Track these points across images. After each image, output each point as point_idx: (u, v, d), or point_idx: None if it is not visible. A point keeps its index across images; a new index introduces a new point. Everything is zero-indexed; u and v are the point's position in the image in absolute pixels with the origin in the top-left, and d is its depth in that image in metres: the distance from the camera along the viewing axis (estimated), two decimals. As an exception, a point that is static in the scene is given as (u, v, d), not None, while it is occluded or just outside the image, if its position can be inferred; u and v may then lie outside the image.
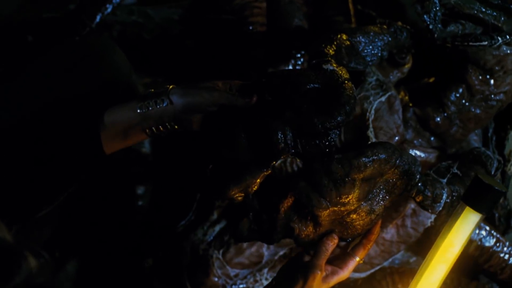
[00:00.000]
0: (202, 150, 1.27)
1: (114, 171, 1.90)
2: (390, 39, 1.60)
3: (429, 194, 1.39)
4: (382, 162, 1.21)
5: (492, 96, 1.72)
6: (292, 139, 1.21)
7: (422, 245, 1.79)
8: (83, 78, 1.41)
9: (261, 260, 1.81)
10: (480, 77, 1.69)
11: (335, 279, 1.28)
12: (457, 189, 1.52)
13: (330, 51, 1.46)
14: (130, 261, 1.96)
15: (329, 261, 1.29)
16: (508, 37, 1.58)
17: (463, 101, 1.72)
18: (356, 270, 1.81)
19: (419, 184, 1.35)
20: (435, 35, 1.58)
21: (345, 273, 1.29)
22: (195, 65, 1.97)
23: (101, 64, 1.45)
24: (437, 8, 1.53)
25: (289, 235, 1.28)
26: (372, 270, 1.82)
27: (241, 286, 1.82)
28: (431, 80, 1.84)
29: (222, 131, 1.23)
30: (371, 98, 1.73)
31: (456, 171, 1.63)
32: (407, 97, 1.81)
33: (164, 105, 1.22)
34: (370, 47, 1.57)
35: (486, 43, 1.59)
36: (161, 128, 1.24)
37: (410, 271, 1.81)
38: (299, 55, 1.81)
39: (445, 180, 1.59)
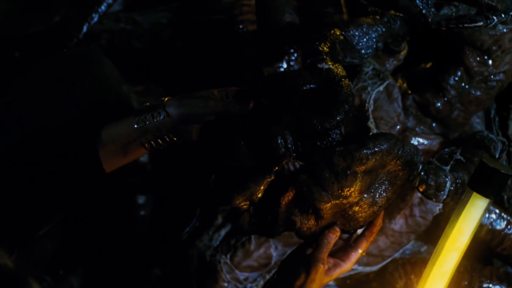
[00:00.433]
0: (203, 160, 1.29)
1: (113, 182, 1.92)
2: (384, 29, 1.60)
3: (432, 183, 1.39)
4: (384, 153, 1.22)
5: (492, 76, 1.72)
6: (293, 143, 1.22)
7: (432, 233, 1.80)
8: (71, 94, 1.42)
9: (270, 262, 1.82)
10: (478, 59, 1.69)
11: (338, 272, 1.29)
12: (461, 176, 1.52)
13: (325, 48, 1.46)
14: (137, 273, 1.98)
15: (331, 254, 1.31)
16: (503, 15, 1.57)
17: (463, 84, 1.72)
18: (367, 263, 1.84)
19: (422, 173, 1.36)
20: (429, 20, 1.57)
21: (347, 265, 1.30)
22: (188, 69, 1.97)
23: (88, 78, 1.46)
24: (429, -8, 1.55)
25: (290, 228, 1.29)
26: (384, 263, 1.83)
27: (251, 289, 1.85)
28: (428, 65, 1.83)
29: (221, 141, 1.25)
30: (369, 88, 1.74)
31: (459, 157, 1.63)
32: (405, 85, 1.81)
33: (161, 117, 1.24)
34: (365, 39, 1.57)
35: (481, 23, 1.58)
36: (160, 141, 1.26)
37: (421, 260, 1.81)
38: (292, 51, 1.81)
39: (448, 168, 1.58)
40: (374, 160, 1.22)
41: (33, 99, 1.42)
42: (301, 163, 1.25)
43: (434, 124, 1.80)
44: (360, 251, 1.31)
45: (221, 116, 1.26)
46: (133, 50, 2.00)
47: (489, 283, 1.76)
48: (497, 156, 1.69)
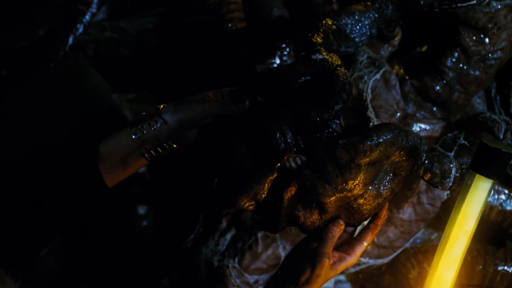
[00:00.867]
0: (204, 165, 1.31)
1: (113, 195, 1.94)
2: (376, 15, 1.59)
3: (437, 171, 1.39)
4: (388, 144, 1.23)
5: (490, 55, 1.72)
6: (292, 137, 1.23)
7: (442, 219, 1.80)
8: (62, 110, 1.43)
9: (279, 262, 1.81)
10: (474, 38, 1.69)
11: (343, 266, 1.30)
12: (466, 161, 1.52)
13: (318, 39, 1.46)
14: (145, 285, 2.00)
15: (336, 248, 1.31)
16: (496, -9, 1.60)
17: (460, 65, 1.72)
18: (378, 256, 1.85)
19: (426, 162, 1.35)
20: (421, 2, 1.57)
21: (352, 259, 1.31)
22: (179, 73, 1.97)
23: (77, 91, 1.47)
24: (420, -27, 1.55)
25: (293, 224, 1.29)
26: (395, 254, 1.84)
27: (262, 292, 1.86)
28: (424, 49, 1.84)
29: (220, 143, 1.25)
30: (366, 77, 1.74)
31: (463, 141, 1.64)
32: (402, 70, 1.81)
33: (158, 125, 1.25)
34: (358, 27, 1.57)
35: (474, 1, 1.59)
36: (160, 150, 1.28)
37: (433, 248, 1.80)
38: (284, 45, 1.81)
39: (452, 154, 1.59)
40: (378, 151, 1.22)
41: (24, 118, 1.42)
42: (303, 157, 1.27)
43: (434, 109, 1.80)
44: (365, 244, 1.32)
45: (218, 118, 1.27)
46: (121, 58, 2.01)
47: (504, 265, 1.77)
48: (501, 137, 1.68)
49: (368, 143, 1.22)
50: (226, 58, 1.88)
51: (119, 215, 2.00)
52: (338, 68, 1.26)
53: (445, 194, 1.79)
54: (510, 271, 1.79)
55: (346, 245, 1.32)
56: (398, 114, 1.76)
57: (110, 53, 2.01)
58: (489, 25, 1.69)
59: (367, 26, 1.60)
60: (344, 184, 1.23)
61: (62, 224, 1.30)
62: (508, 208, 1.78)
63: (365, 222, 1.34)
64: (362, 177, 1.24)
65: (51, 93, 1.47)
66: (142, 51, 2.00)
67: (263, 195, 1.25)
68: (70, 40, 1.95)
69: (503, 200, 1.78)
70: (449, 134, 1.71)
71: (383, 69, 1.76)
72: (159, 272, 1.97)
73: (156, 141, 1.27)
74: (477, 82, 1.77)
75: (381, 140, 1.22)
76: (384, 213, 1.32)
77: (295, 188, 1.25)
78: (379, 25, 1.65)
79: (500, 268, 1.76)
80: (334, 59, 1.28)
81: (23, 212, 1.29)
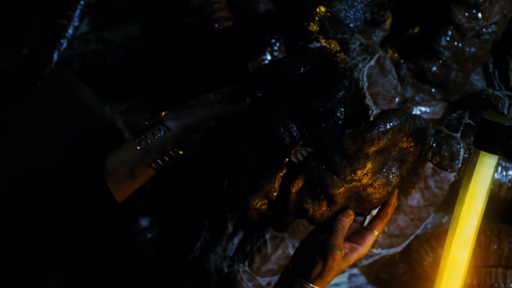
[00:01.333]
0: (210, 168, 1.32)
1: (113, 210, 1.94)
2: None
3: (446, 153, 1.39)
4: (395, 131, 1.23)
5: (484, 30, 1.72)
6: (297, 131, 1.23)
7: (452, 202, 1.78)
8: (54, 130, 1.43)
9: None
10: (467, 14, 1.70)
11: (355, 257, 1.30)
12: None
13: (314, 27, 1.46)
14: (156, 298, 2.01)
15: (347, 238, 1.31)
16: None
17: (455, 43, 1.73)
18: (390, 245, 1.85)
19: (434, 145, 1.36)
20: None
21: (364, 249, 1.31)
22: (170, 79, 1.98)
23: (68, 109, 1.48)
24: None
25: (302, 216, 1.29)
26: (407, 242, 1.85)
27: (276, 293, 1.87)
28: (416, 30, 1.84)
29: (226, 145, 1.26)
30: (360, 65, 1.74)
31: (468, 121, 1.64)
32: (396, 54, 1.82)
33: (161, 134, 1.27)
34: (351, 12, 1.57)
35: None
36: (166, 158, 1.29)
37: (445, 232, 1.80)
38: (273, 41, 1.81)
39: (459, 134, 1.59)
40: (385, 139, 1.23)
41: (17, 143, 1.43)
42: (310, 150, 1.26)
43: (433, 90, 1.81)
44: (376, 233, 1.32)
45: (220, 120, 1.28)
46: (109, 70, 2.01)
47: (519, 242, 1.80)
48: (505, 112, 1.69)
49: (375, 131, 1.22)
50: (217, 59, 1.88)
51: (122, 230, 2.01)
52: (337, 55, 1.26)
53: (452, 176, 1.79)
54: (525, 247, 1.80)
55: (356, 235, 1.33)
56: (397, 99, 1.77)
57: (97, 65, 2.01)
58: (481, 0, 1.69)
59: (361, 11, 1.60)
60: (352, 175, 1.24)
61: (71, 248, 1.31)
62: (518, 184, 1.78)
63: (374, 211, 1.35)
64: (370, 166, 1.24)
65: (42, 115, 1.48)
66: (129, 60, 2.00)
67: (275, 193, 1.26)
68: (55, 56, 1.94)
69: (512, 176, 1.78)
70: (454, 115, 1.71)
71: (377, 55, 1.76)
72: (168, 284, 1.98)
73: (162, 149, 1.28)
74: (473, 59, 1.77)
75: (388, 127, 1.22)
76: (394, 201, 1.32)
77: (302, 181, 1.25)
78: (372, 9, 1.65)
79: (515, 246, 1.78)
80: (333, 45, 1.28)
81: (31, 241, 1.29)
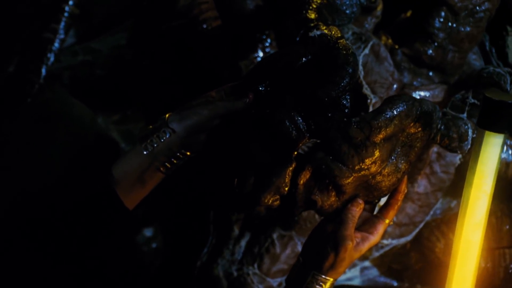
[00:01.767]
0: (219, 168, 1.32)
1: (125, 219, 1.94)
2: None
3: (454, 135, 1.39)
4: (402, 117, 1.22)
5: (477, 8, 1.72)
6: (303, 123, 1.23)
7: (459, 185, 1.77)
8: (50, 148, 1.43)
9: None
10: None
11: (367, 246, 1.30)
12: None
13: (312, 15, 1.46)
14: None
15: (358, 228, 1.31)
16: None
17: (449, 23, 1.73)
18: (400, 235, 1.84)
19: (442, 128, 1.37)
20: None
21: (376, 238, 1.31)
22: (161, 84, 2.00)
23: (61, 125, 1.48)
24: None
25: (311, 208, 1.29)
26: (417, 230, 1.85)
27: (289, 293, 1.87)
28: (409, 14, 1.84)
29: (232, 143, 1.26)
30: None
31: (472, 101, 1.63)
32: (390, 40, 1.81)
33: (167, 136, 1.27)
34: None
35: None
36: (174, 160, 1.28)
37: (455, 216, 1.79)
38: (264, 37, 1.82)
39: (465, 115, 1.59)
40: (393, 126, 1.22)
41: (14, 166, 1.43)
42: (318, 141, 1.25)
43: (431, 73, 1.81)
44: (387, 221, 1.32)
45: (225, 118, 1.28)
46: (99, 80, 2.00)
47: (531, 221, 1.80)
48: (508, 89, 1.69)
49: (382, 118, 1.22)
50: (208, 60, 1.89)
51: (127, 242, 2.01)
52: (339, 41, 1.25)
53: (457, 159, 1.79)
54: (538, 226, 1.80)
55: (367, 224, 1.32)
56: (395, 86, 1.77)
57: (86, 77, 2.00)
58: (472, -23, 1.67)
59: (356, -4, 1.57)
60: (361, 164, 1.23)
61: (81, 263, 1.32)
62: (525, 162, 1.78)
63: (382, 201, 1.35)
64: (379, 154, 1.24)
65: (35, 133, 1.48)
66: (119, 69, 2.00)
67: (286, 188, 1.25)
68: (43, 71, 1.94)
69: (519, 155, 1.78)
70: (457, 96, 1.70)
71: (370, 43, 1.75)
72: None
73: (169, 152, 1.28)
74: (469, 38, 1.77)
75: (395, 113, 1.22)
76: (404, 187, 1.32)
77: (310, 172, 1.25)
78: (365, -6, 1.63)
79: (526, 225, 1.78)
80: (333, 32, 1.27)
81: (43, 263, 1.30)
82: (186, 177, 1.92)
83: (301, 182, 1.25)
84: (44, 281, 1.29)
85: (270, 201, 1.26)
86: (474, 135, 1.46)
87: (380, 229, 1.32)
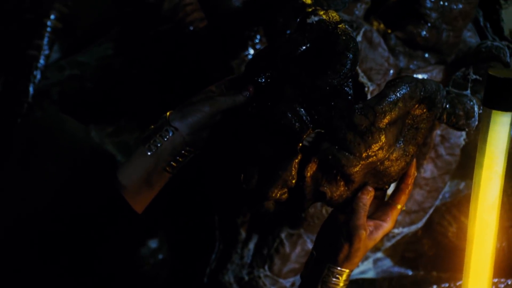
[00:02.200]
0: (223, 165, 1.31)
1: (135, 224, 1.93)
2: None
3: (461, 112, 1.38)
4: (406, 99, 1.21)
5: None
6: (306, 114, 1.21)
7: (466, 166, 1.81)
8: (46, 169, 1.44)
9: (311, 257, 1.85)
10: None
11: (380, 234, 1.29)
12: None
13: (309, 0, 1.44)
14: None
15: (370, 216, 1.30)
16: None
17: (441, 2, 1.72)
18: (411, 222, 1.84)
19: (448, 106, 1.35)
20: None
21: (389, 224, 1.29)
22: (153, 91, 1.99)
23: (55, 144, 1.48)
24: None
25: (320, 200, 1.28)
26: (427, 216, 1.84)
27: (303, 292, 1.86)
28: None
29: (236, 139, 1.25)
30: None
31: (474, 76, 1.62)
32: (382, 25, 1.80)
33: (170, 135, 1.26)
34: None
35: None
36: (180, 159, 1.28)
37: (465, 198, 1.82)
38: (253, 33, 1.81)
39: (468, 92, 1.57)
40: (397, 109, 1.21)
41: (13, 187, 1.44)
42: (323, 131, 1.23)
43: (427, 55, 1.80)
44: (399, 206, 1.31)
45: (226, 113, 1.27)
46: (89, 93, 1.99)
47: (543, 197, 1.79)
48: (508, 61, 1.67)
49: (386, 102, 1.20)
50: (198, 62, 1.88)
51: (132, 254, 2.00)
52: (338, 26, 1.24)
53: (461, 140, 1.79)
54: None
55: (379, 211, 1.31)
56: (391, 71, 1.76)
57: (75, 91, 1.99)
58: (460, -48, 1.66)
59: (349, -18, 1.56)
60: (368, 151, 1.22)
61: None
62: (535, 139, 1.77)
63: (391, 189, 1.34)
64: (385, 140, 1.23)
65: (29, 154, 1.47)
66: (108, 79, 1.98)
67: (293, 181, 1.24)
68: (31, 89, 1.93)
69: (527, 131, 1.77)
70: (458, 73, 1.69)
71: (362, 29, 1.74)
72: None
73: (173, 150, 1.27)
74: (462, 16, 1.76)
75: (399, 95, 1.21)
76: (413, 170, 1.31)
77: (316, 164, 1.24)
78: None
79: (540, 201, 1.78)
80: (332, 16, 1.25)
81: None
82: (187, 184, 1.91)
83: (308, 174, 1.24)
84: None
85: (278, 194, 1.24)
86: (481, 111, 1.45)
87: (393, 215, 1.31)
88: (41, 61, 1.96)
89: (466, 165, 1.82)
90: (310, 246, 1.83)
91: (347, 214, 1.28)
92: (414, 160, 1.31)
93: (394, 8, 1.84)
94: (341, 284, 1.28)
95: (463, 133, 1.79)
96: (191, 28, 1.86)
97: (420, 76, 1.76)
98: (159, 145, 1.27)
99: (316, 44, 1.24)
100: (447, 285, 1.85)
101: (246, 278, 1.86)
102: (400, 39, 1.79)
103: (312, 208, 1.80)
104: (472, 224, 1.37)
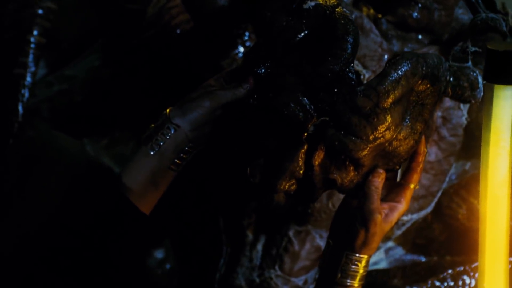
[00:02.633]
0: (228, 161, 1.30)
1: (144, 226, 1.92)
2: None
3: (465, 84, 1.38)
4: (409, 76, 1.21)
5: None
6: (309, 102, 1.20)
7: (470, 145, 1.81)
8: (44, 189, 1.44)
9: (321, 253, 1.84)
10: None
11: (396, 216, 1.28)
12: None
13: None
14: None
15: (383, 199, 1.29)
16: None
17: None
18: (419, 208, 1.83)
19: (451, 79, 1.34)
20: None
21: (404, 206, 1.29)
22: (144, 99, 1.98)
23: (51, 162, 1.47)
24: None
25: (331, 187, 1.27)
26: (435, 200, 1.84)
27: (317, 289, 1.85)
28: None
29: (239, 132, 1.24)
30: None
31: (473, 49, 1.60)
32: (372, 11, 1.80)
33: (172, 132, 1.25)
34: None
35: None
36: (184, 156, 1.27)
37: (472, 178, 1.82)
38: (241, 31, 1.81)
39: (470, 63, 1.56)
40: (400, 87, 1.20)
41: (12, 208, 1.43)
42: (327, 118, 1.23)
43: (420, 37, 1.80)
44: (412, 185, 1.30)
45: (227, 107, 1.26)
46: (80, 107, 1.98)
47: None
48: (507, 32, 1.66)
49: (388, 81, 1.20)
50: (188, 65, 1.87)
51: (137, 266, 1.99)
52: (336, 10, 1.23)
53: (463, 119, 1.79)
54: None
55: (392, 193, 1.31)
56: (385, 56, 1.75)
57: (66, 106, 1.98)
58: None
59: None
60: (374, 133, 1.22)
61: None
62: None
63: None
64: (391, 119, 1.22)
65: (25, 175, 1.47)
66: (98, 91, 1.97)
67: (301, 171, 1.23)
68: (20, 109, 1.93)
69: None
70: (456, 48, 1.66)
71: (352, 16, 1.75)
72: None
73: (177, 148, 1.26)
74: (453, -7, 1.74)
75: (401, 73, 1.20)
76: (423, 148, 1.30)
77: (323, 151, 1.23)
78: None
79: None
80: None
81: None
82: (188, 188, 1.90)
83: (316, 163, 1.23)
84: None
85: (286, 186, 1.24)
86: (485, 82, 1.43)
87: (407, 195, 1.30)
88: (28, 78, 1.95)
89: (470, 144, 1.82)
90: (319, 241, 1.82)
91: (360, 199, 1.27)
92: (423, 137, 1.30)
93: (383, -8, 1.84)
94: (361, 271, 1.27)
95: (465, 112, 1.78)
96: (178, 31, 1.85)
97: (415, 59, 1.75)
98: (161, 143, 1.26)
99: (315, 30, 1.23)
100: (462, 268, 1.84)
101: (257, 280, 1.85)
102: (391, 23, 1.79)
103: (318, 203, 1.79)
104: (483, 203, 1.36)
